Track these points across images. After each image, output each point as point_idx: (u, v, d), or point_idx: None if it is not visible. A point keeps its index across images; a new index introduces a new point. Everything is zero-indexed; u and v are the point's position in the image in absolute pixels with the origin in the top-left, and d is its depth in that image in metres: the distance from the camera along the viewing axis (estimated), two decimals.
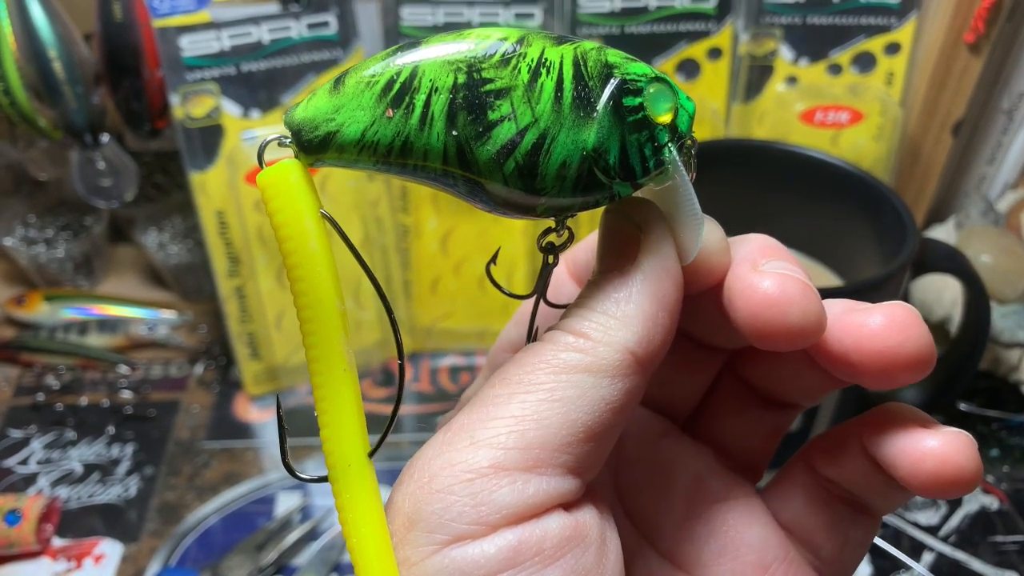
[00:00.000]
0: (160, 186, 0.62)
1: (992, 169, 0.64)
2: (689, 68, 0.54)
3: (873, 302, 0.40)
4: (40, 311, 0.58)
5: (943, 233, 0.60)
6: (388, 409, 0.54)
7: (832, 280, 0.48)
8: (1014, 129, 0.62)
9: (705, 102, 0.55)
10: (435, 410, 0.55)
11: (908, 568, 0.46)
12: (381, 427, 0.20)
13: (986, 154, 0.63)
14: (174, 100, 0.47)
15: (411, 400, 0.56)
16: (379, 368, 0.58)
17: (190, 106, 0.48)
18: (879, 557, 0.47)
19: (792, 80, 0.56)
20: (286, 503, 0.49)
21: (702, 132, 0.54)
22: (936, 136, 0.58)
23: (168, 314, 0.60)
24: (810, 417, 0.43)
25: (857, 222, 0.46)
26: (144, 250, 0.61)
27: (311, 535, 0.47)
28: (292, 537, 0.46)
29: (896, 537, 0.48)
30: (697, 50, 0.54)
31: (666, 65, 0.54)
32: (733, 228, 0.41)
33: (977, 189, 0.64)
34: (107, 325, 0.59)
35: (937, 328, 0.58)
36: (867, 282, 0.40)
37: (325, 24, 0.49)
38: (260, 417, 0.55)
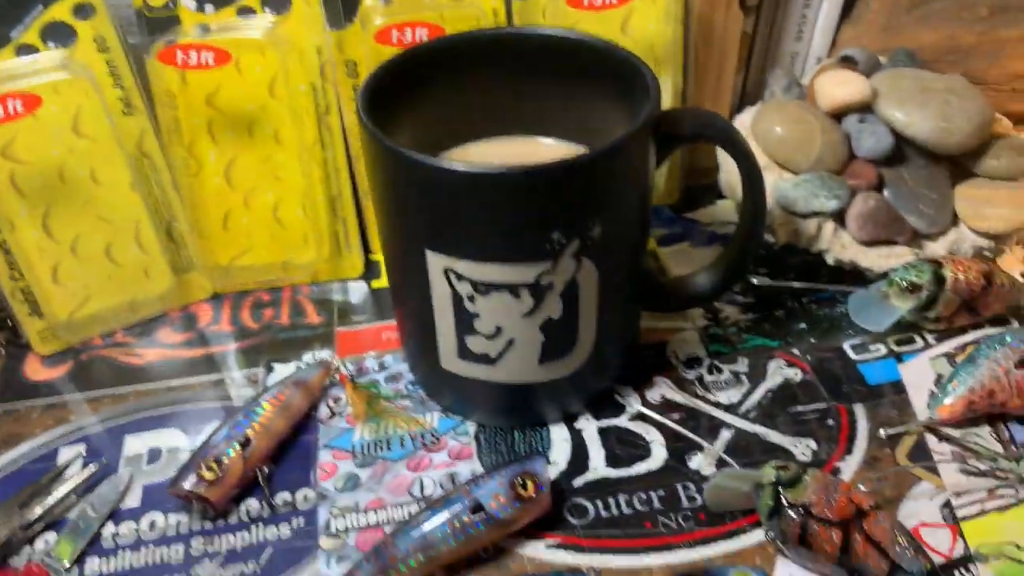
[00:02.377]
0: None
1: (802, 46, 0.63)
2: None
3: (617, 169, 0.38)
4: None
5: (751, 115, 0.58)
6: (182, 354, 0.52)
7: None
8: (816, 2, 0.61)
9: (478, 3, 0.52)
10: (239, 347, 0.53)
11: (703, 448, 0.45)
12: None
13: (792, 31, 0.62)
14: None
15: (216, 341, 0.54)
16: (179, 316, 0.56)
17: None
18: (674, 441, 0.46)
19: None
20: (66, 456, 0.47)
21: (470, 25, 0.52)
22: (724, 13, 0.56)
23: None
24: (572, 299, 0.41)
25: (614, 100, 0.44)
26: None
27: (92, 481, 0.45)
28: (65, 488, 0.44)
29: (695, 418, 0.47)
30: None
31: None
32: (494, 120, 0.41)
33: (788, 68, 0.63)
34: None
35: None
36: (604, 150, 0.38)
37: None
38: (51, 375, 0.52)
